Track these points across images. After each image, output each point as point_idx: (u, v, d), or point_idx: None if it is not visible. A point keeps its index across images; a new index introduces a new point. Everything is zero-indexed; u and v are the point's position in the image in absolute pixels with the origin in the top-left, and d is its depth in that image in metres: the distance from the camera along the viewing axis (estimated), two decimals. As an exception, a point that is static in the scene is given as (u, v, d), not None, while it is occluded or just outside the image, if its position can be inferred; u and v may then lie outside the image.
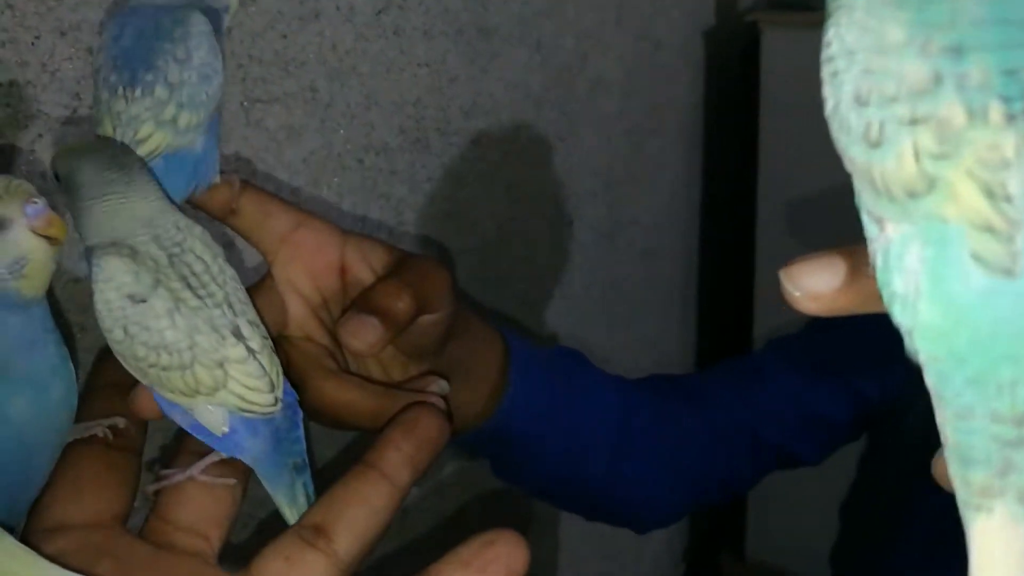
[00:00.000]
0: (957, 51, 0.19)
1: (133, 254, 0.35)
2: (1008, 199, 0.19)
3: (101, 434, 0.35)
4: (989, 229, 0.19)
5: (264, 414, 0.36)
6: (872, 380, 0.65)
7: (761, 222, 1.39)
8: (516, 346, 0.52)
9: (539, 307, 1.04)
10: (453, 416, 0.48)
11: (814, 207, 1.33)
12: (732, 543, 1.61)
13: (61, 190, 0.37)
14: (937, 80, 0.20)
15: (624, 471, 0.59)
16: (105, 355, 0.38)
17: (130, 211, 0.36)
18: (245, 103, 0.67)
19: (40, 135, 0.54)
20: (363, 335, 0.40)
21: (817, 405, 0.65)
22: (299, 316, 0.44)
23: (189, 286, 0.36)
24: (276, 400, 0.36)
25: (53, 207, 0.34)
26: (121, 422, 0.36)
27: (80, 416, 0.36)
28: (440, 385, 0.44)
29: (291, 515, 0.37)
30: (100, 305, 0.35)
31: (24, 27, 0.52)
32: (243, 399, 0.36)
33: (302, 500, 0.38)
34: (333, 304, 0.44)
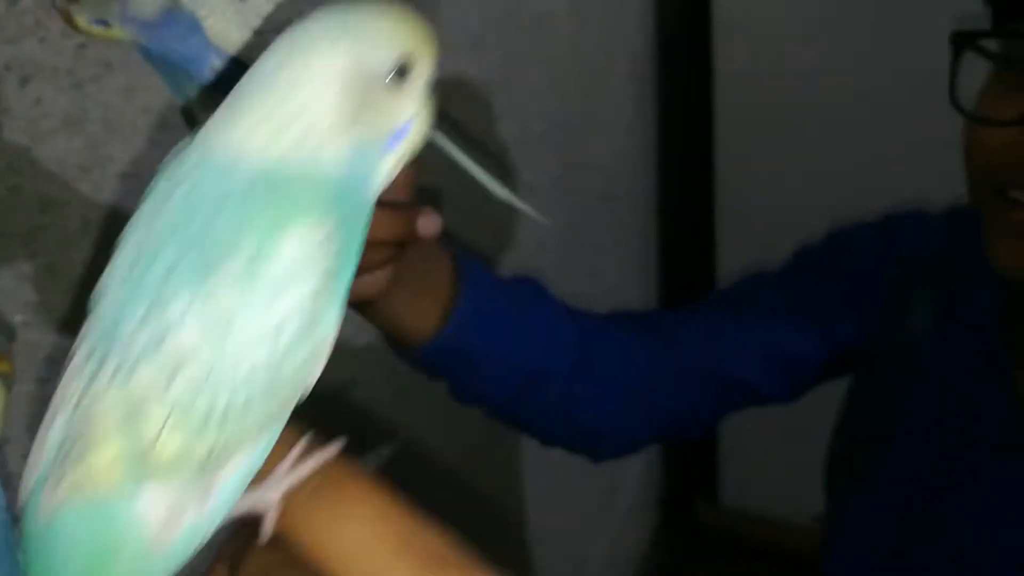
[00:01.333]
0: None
1: None
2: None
3: None
4: None
5: None
6: (847, 323, 0.63)
7: (719, 162, 1.35)
8: (467, 263, 0.52)
9: (491, 258, 0.99)
10: (407, 327, 0.49)
11: (772, 137, 1.29)
12: (705, 488, 1.59)
13: None
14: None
15: (581, 392, 0.58)
16: None
17: None
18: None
19: (8, 67, 0.49)
20: None
21: (787, 344, 0.63)
22: None
23: None
24: None
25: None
26: None
27: None
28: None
29: None
30: None
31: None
32: None
33: None
34: None
